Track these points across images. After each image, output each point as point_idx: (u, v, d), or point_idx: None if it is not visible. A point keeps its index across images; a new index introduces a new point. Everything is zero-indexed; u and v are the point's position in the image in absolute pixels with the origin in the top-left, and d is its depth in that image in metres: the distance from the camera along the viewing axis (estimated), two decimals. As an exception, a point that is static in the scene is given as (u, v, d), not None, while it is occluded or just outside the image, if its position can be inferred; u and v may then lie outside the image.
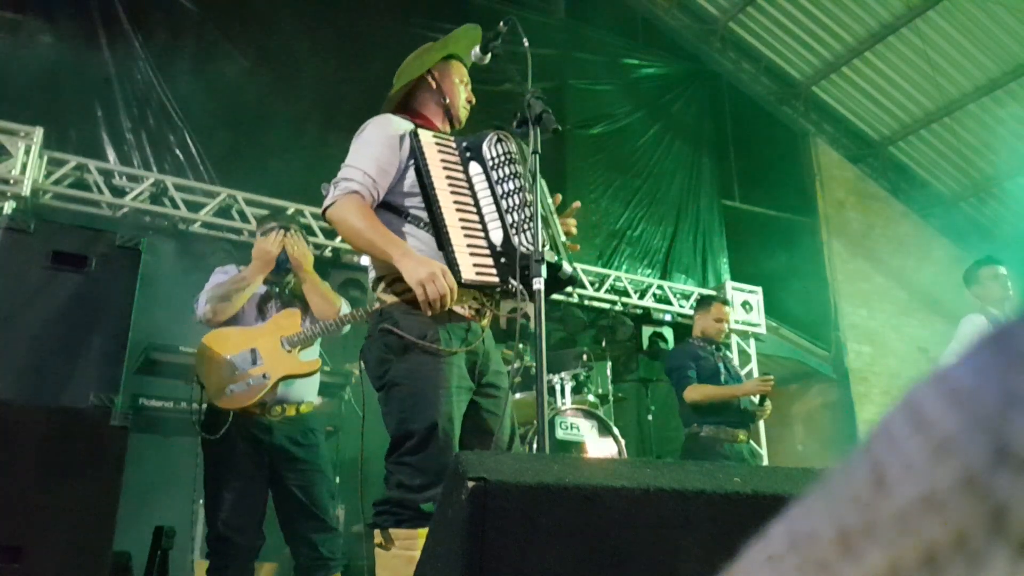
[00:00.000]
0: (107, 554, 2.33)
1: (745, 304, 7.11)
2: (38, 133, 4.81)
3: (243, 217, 5.45)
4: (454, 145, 2.16)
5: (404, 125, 2.16)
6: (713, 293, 6.67)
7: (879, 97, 8.84)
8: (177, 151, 5.69)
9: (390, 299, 2.05)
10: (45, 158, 4.97)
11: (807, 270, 8.61)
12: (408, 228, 2.07)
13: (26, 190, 4.70)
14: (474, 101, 2.39)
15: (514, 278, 1.98)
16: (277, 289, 3.15)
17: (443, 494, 1.11)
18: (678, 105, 8.33)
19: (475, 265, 2.00)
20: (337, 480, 4.08)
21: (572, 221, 2.33)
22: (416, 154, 2.08)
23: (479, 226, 2.06)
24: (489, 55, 2.30)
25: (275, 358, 2.94)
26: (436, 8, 7.01)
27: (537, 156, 2.04)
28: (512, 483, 1.00)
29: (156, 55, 5.78)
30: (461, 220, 2.04)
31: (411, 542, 1.85)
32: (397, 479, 1.93)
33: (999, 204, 9.27)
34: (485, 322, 2.13)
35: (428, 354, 1.96)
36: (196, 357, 2.98)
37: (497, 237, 2.04)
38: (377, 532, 1.92)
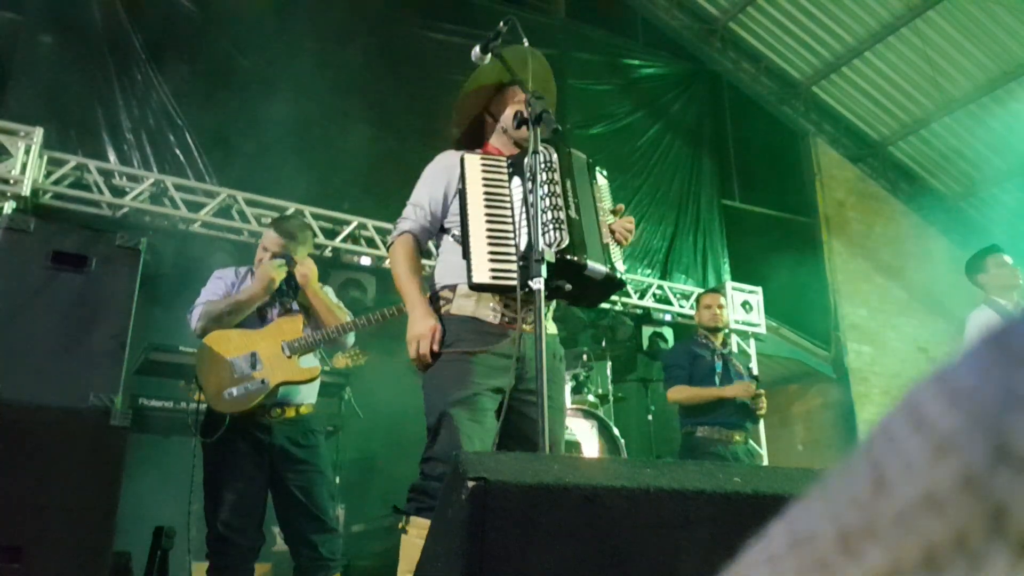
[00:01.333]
0: (107, 554, 2.33)
1: (745, 304, 7.11)
2: (38, 133, 4.81)
3: (243, 217, 5.45)
4: (503, 163, 2.26)
5: (456, 157, 2.32)
6: None
7: (879, 97, 8.84)
8: (177, 151, 5.69)
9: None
10: (45, 158, 4.97)
11: (807, 270, 8.61)
12: (449, 243, 2.27)
13: (26, 190, 4.70)
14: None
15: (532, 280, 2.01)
16: (281, 299, 3.11)
17: (443, 494, 1.11)
18: (678, 105, 8.33)
19: (492, 270, 2.07)
20: (337, 480, 4.08)
21: (629, 219, 2.38)
22: (461, 177, 2.24)
23: (511, 235, 2.14)
24: (489, 55, 2.30)
25: (275, 363, 2.93)
26: (437, 8, 7.02)
27: (537, 156, 2.05)
28: (512, 483, 1.00)
29: (156, 55, 5.78)
30: (490, 229, 2.13)
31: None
32: (425, 472, 2.06)
33: (999, 204, 9.27)
34: (527, 328, 2.12)
35: (450, 358, 2.11)
36: (196, 357, 2.98)
37: (522, 243, 2.10)
38: (405, 516, 2.03)
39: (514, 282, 2.04)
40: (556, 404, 2.20)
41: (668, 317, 6.95)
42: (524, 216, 2.12)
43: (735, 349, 6.79)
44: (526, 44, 2.21)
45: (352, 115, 6.17)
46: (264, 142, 5.69)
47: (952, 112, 8.57)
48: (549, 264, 1.99)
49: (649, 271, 7.40)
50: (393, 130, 6.29)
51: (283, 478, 2.93)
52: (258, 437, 2.91)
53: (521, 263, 2.04)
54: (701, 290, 7.22)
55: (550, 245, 2.03)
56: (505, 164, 2.25)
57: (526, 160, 2.18)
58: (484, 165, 2.23)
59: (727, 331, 6.64)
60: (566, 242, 2.06)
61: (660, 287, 7.08)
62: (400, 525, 2.05)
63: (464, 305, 2.16)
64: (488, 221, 2.14)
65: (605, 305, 6.71)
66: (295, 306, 3.10)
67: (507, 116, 2.36)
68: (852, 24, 8.14)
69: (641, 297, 6.87)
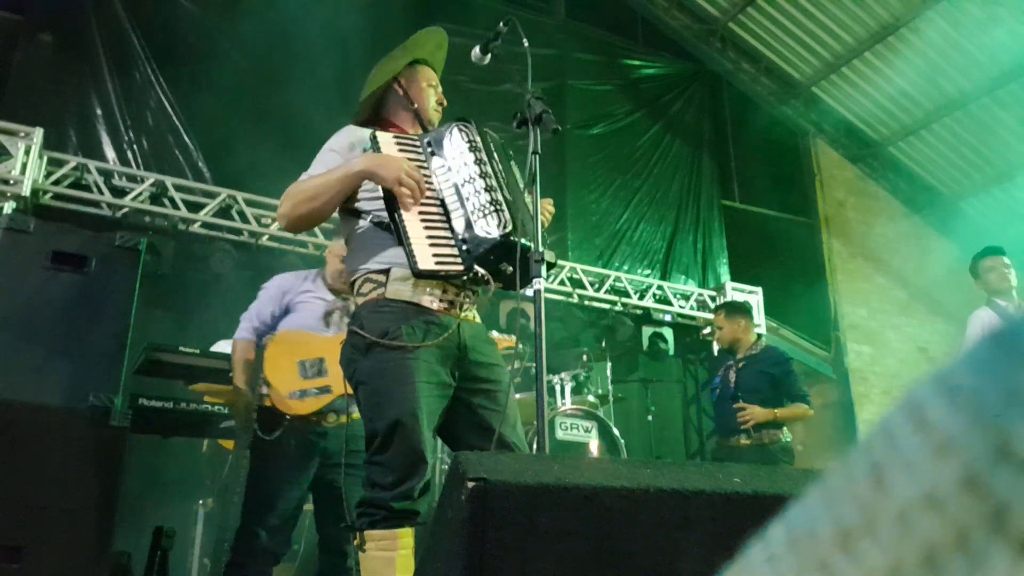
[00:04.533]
0: (107, 554, 2.33)
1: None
2: (38, 133, 4.81)
3: (243, 217, 5.45)
4: (417, 142, 2.15)
5: (365, 133, 2.20)
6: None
7: (879, 97, 8.84)
8: (177, 151, 5.69)
9: (360, 300, 2.07)
10: (45, 158, 4.97)
11: (807, 270, 8.61)
12: (369, 227, 2.10)
13: (26, 190, 4.69)
14: (445, 104, 2.38)
15: (481, 265, 1.95)
16: (345, 302, 3.10)
17: (443, 494, 1.11)
18: (678, 105, 8.33)
19: (435, 255, 1.97)
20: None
21: (549, 200, 2.27)
22: None
23: (442, 217, 2.04)
24: (489, 55, 2.30)
25: (340, 373, 2.92)
26: (437, 8, 7.01)
27: (537, 156, 2.04)
28: (512, 483, 1.00)
29: (156, 55, 5.78)
30: (421, 213, 2.02)
31: (387, 543, 1.85)
32: (371, 479, 1.94)
33: (999, 204, 9.27)
34: (464, 314, 2.08)
35: (391, 351, 1.94)
36: (267, 351, 2.97)
37: (460, 225, 2.01)
38: (357, 534, 1.92)
39: (459, 267, 1.98)
40: (503, 387, 2.09)
41: (668, 317, 6.95)
42: (456, 197, 2.05)
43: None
44: (526, 44, 2.19)
45: (352, 115, 6.17)
46: (264, 142, 5.69)
47: (952, 112, 8.57)
48: (497, 246, 1.93)
49: (649, 271, 7.40)
50: (393, 130, 6.28)
51: (330, 483, 2.92)
52: (312, 440, 2.91)
53: (463, 247, 1.99)
54: (701, 290, 7.26)
55: (499, 226, 1.95)
56: (421, 143, 2.15)
57: (445, 140, 2.12)
58: (400, 144, 2.12)
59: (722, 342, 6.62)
60: (510, 225, 1.97)
61: (660, 287, 7.08)
62: (355, 543, 1.92)
63: (401, 290, 2.01)
64: (419, 203, 2.03)
65: (605, 305, 6.72)
66: None
67: (418, 94, 2.33)
68: (852, 24, 8.14)
69: (641, 297, 6.87)
